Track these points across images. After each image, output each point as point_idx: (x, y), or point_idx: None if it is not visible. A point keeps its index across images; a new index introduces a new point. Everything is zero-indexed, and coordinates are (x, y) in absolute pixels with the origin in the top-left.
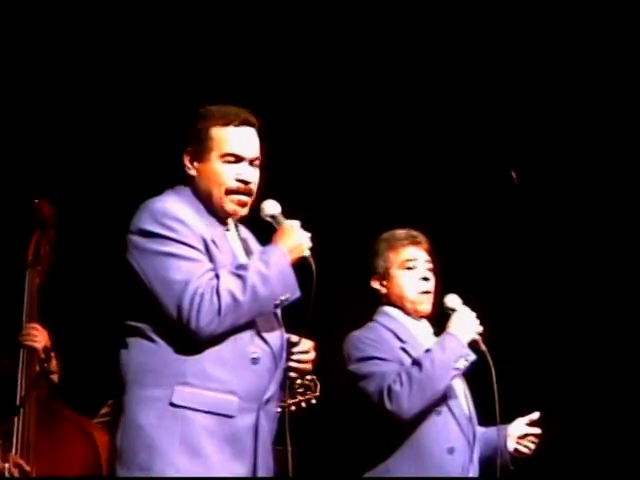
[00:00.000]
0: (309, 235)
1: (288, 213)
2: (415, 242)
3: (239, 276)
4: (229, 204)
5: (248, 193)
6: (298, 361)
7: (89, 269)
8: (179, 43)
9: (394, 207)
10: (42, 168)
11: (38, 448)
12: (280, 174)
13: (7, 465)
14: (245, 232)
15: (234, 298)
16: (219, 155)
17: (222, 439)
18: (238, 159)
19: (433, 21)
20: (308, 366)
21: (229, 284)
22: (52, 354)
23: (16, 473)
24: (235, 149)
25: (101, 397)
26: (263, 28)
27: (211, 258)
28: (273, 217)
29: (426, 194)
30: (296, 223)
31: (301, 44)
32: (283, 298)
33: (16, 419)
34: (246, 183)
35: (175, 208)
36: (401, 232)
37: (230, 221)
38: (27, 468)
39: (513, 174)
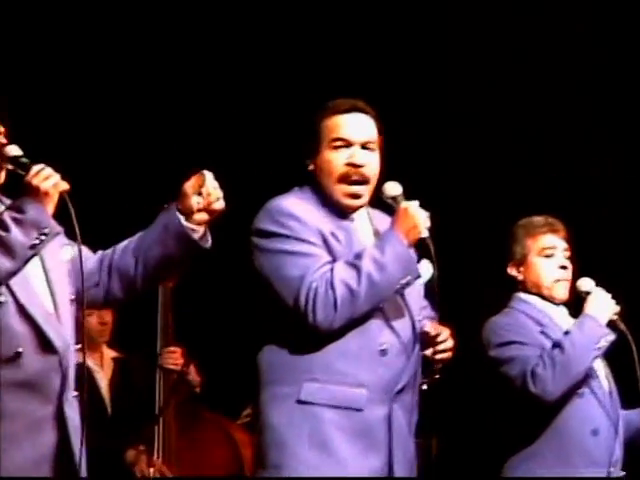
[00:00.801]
0: (427, 214)
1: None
2: (553, 230)
3: (354, 266)
4: (342, 198)
5: (361, 179)
6: (443, 351)
7: (217, 276)
8: (296, 47)
9: (529, 193)
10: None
11: (180, 452)
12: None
13: (152, 470)
14: (379, 218)
15: (349, 289)
16: (328, 142)
17: (352, 433)
18: (348, 143)
19: (552, 14)
20: (450, 354)
21: (343, 275)
22: (191, 368)
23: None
24: (342, 133)
25: (243, 398)
26: (382, 22)
27: (330, 251)
28: (394, 199)
29: (561, 179)
30: (414, 203)
31: (417, 36)
32: (403, 282)
33: (156, 427)
34: (357, 166)
35: (291, 205)
36: (539, 219)
37: (359, 211)
38: (168, 474)
39: None
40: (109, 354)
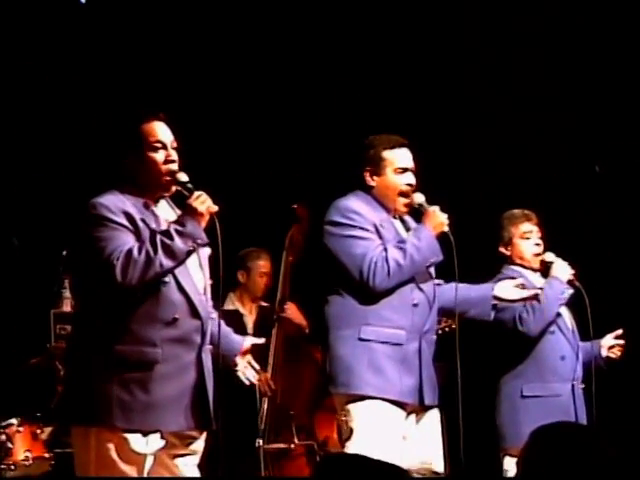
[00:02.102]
0: (446, 216)
1: (433, 201)
2: (529, 219)
3: (400, 248)
4: (401, 205)
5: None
6: None
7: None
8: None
9: (510, 195)
10: (299, 180)
11: (282, 373)
12: (427, 177)
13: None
14: (408, 218)
15: (398, 264)
16: (392, 170)
17: (396, 360)
18: (404, 170)
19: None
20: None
21: (394, 254)
22: (297, 315)
23: (265, 388)
24: (402, 164)
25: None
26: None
27: (380, 236)
28: (420, 205)
29: (533, 180)
30: (437, 208)
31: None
32: (432, 261)
33: (270, 358)
34: (412, 186)
35: (353, 204)
36: (518, 211)
37: (403, 216)
38: (273, 386)
39: (597, 167)
40: (259, 301)
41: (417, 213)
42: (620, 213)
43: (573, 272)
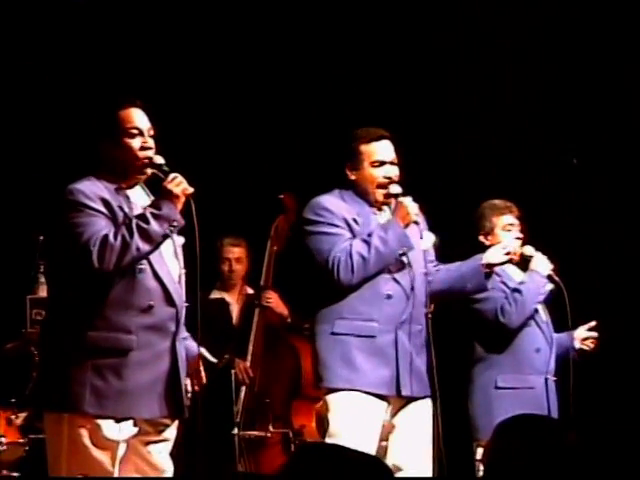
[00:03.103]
0: (417, 205)
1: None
2: (512, 211)
3: (365, 241)
4: (380, 196)
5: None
6: None
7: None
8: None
9: (486, 188)
10: (288, 170)
11: (262, 362)
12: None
13: (237, 366)
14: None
15: (362, 257)
16: (369, 163)
17: (370, 352)
18: (381, 163)
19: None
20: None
21: (358, 247)
22: (280, 305)
23: (243, 375)
24: (378, 157)
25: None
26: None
27: (352, 231)
28: (397, 195)
29: (516, 172)
30: (408, 199)
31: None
32: (401, 252)
33: (250, 346)
34: (389, 178)
35: (325, 201)
36: (500, 202)
37: (384, 208)
38: (251, 373)
39: (574, 160)
40: (246, 290)
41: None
42: (596, 205)
43: (553, 267)
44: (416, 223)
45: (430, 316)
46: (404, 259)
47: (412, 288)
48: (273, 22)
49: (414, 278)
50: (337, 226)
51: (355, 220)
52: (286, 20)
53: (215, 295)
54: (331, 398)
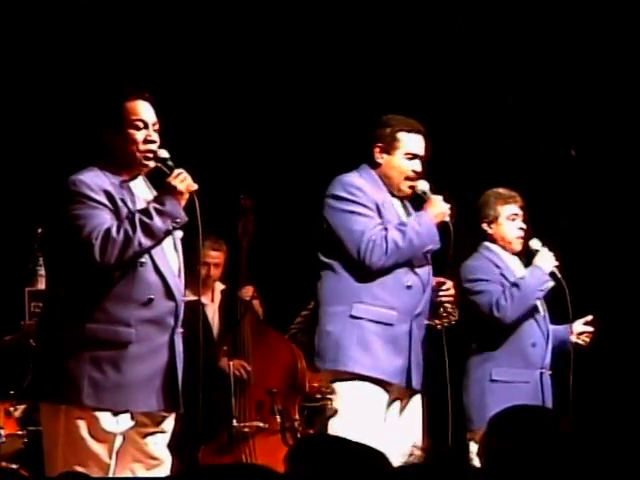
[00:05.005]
0: (449, 206)
1: (433, 190)
2: (516, 201)
3: (401, 230)
4: (405, 188)
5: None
6: (445, 296)
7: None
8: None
9: (486, 181)
10: (245, 171)
11: (254, 355)
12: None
13: (231, 364)
14: (407, 203)
15: (397, 245)
16: (403, 153)
17: (386, 340)
18: (415, 157)
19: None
20: (451, 299)
21: (394, 235)
22: (256, 302)
23: (241, 371)
24: (414, 150)
25: (294, 314)
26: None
27: (380, 216)
28: (424, 192)
29: (519, 162)
30: (440, 197)
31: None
32: (429, 247)
33: (238, 338)
34: (418, 173)
35: (356, 180)
36: (505, 191)
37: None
38: (248, 368)
39: (573, 152)
40: (219, 288)
41: (417, 200)
42: (595, 199)
43: (557, 264)
44: (445, 224)
45: (447, 324)
46: (427, 254)
47: (428, 282)
48: (271, 13)
49: (429, 272)
50: (369, 208)
51: (384, 205)
52: (286, 18)
53: (189, 297)
54: (343, 386)
